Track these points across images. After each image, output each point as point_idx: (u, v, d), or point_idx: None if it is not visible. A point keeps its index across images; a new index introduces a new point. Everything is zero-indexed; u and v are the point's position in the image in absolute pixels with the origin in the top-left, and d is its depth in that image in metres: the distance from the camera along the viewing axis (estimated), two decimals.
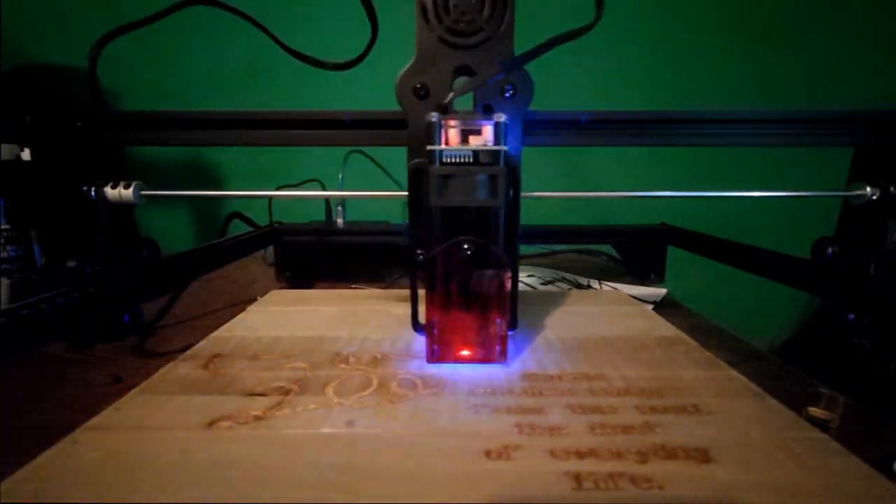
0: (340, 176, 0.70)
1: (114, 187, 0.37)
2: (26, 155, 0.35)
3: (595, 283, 0.56)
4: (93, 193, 0.37)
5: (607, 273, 0.62)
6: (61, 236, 0.37)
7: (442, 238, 0.27)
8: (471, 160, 0.26)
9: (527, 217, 0.71)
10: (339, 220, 0.64)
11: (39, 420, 0.27)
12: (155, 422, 0.22)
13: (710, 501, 0.17)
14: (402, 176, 0.78)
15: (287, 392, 0.25)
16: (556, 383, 0.26)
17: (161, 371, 0.27)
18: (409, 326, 0.35)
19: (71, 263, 0.36)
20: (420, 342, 0.32)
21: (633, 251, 0.65)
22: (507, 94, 0.30)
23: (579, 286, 0.55)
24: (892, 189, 0.36)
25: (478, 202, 0.26)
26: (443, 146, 0.26)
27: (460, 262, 0.26)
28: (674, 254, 0.58)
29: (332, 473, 0.18)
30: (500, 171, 0.26)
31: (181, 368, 0.27)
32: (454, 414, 0.22)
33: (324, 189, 0.75)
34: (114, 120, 0.39)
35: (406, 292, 0.44)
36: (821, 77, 0.83)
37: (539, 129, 0.37)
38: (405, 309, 0.39)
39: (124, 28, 0.37)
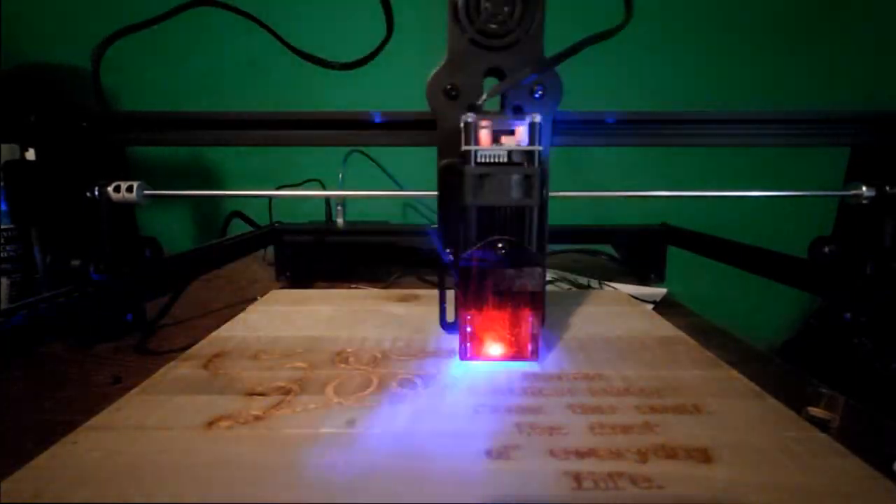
0: (340, 176, 0.70)
1: (117, 188, 0.37)
2: (30, 155, 0.35)
3: (595, 283, 0.56)
4: (97, 193, 0.37)
5: (607, 273, 0.62)
6: (64, 236, 0.37)
7: (476, 237, 0.27)
8: (504, 160, 0.27)
9: None
10: (339, 220, 0.64)
11: (39, 420, 0.27)
12: (155, 422, 0.22)
13: (710, 501, 0.17)
14: (402, 176, 0.79)
15: (287, 392, 0.25)
16: (556, 383, 0.26)
17: (161, 371, 0.27)
18: (410, 325, 0.35)
19: (75, 262, 0.36)
20: (422, 342, 0.32)
21: (633, 251, 0.65)
22: (537, 95, 0.30)
23: (579, 286, 0.55)
24: (888, 189, 0.37)
25: (513, 202, 0.26)
26: (478, 146, 0.27)
27: (494, 262, 0.27)
28: (674, 254, 0.58)
29: (332, 473, 0.18)
30: (535, 171, 0.26)
31: (181, 368, 0.27)
32: (454, 414, 0.22)
33: (324, 189, 0.75)
34: (118, 120, 0.39)
35: (406, 291, 0.44)
36: (819, 78, 0.83)
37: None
38: (405, 308, 0.39)
39: (128, 29, 0.37)
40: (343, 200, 0.65)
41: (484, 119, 0.27)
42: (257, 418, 0.22)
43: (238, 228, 0.60)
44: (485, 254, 0.27)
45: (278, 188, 0.69)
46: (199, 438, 0.20)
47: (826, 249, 0.40)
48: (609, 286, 0.54)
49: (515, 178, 0.26)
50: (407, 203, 0.88)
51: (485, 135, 0.27)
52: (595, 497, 0.17)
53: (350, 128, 0.38)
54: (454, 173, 0.28)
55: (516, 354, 0.28)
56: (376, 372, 0.27)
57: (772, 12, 0.83)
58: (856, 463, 0.18)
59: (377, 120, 0.37)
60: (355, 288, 0.52)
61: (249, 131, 0.38)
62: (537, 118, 0.26)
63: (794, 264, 0.39)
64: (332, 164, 0.69)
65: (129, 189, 0.37)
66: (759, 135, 0.38)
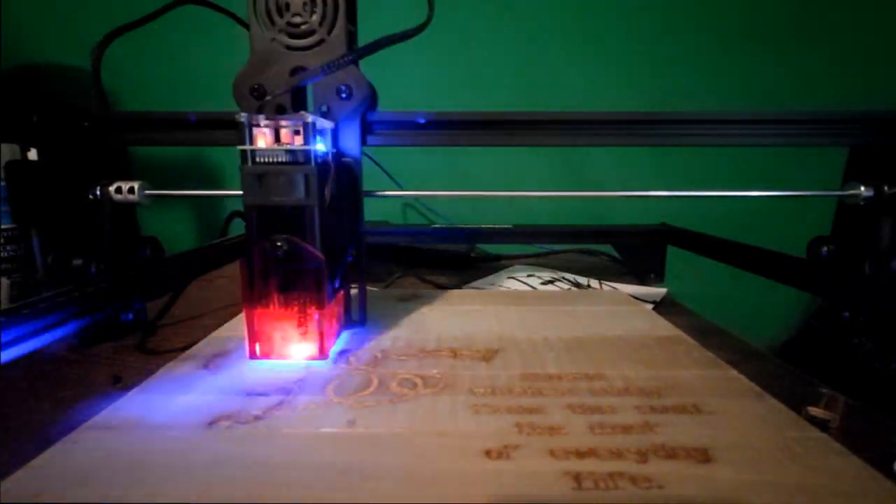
0: None
1: (118, 188, 0.37)
2: (32, 155, 0.35)
3: (595, 283, 0.56)
4: (98, 194, 0.37)
5: (607, 273, 0.62)
6: (66, 236, 0.37)
7: (258, 237, 0.27)
8: (284, 160, 0.26)
9: (527, 217, 0.71)
10: None
11: (39, 420, 0.27)
12: (155, 422, 0.22)
13: (710, 501, 0.17)
14: (402, 176, 0.78)
15: (287, 391, 0.25)
16: (556, 383, 0.26)
17: (161, 371, 0.27)
18: (410, 325, 0.35)
19: (76, 262, 0.36)
20: (421, 342, 0.32)
21: (633, 251, 0.65)
22: (343, 96, 0.30)
23: (579, 286, 0.55)
24: (885, 189, 0.37)
25: (291, 201, 0.26)
26: (255, 146, 0.26)
27: (274, 260, 0.27)
28: (674, 254, 0.58)
29: (332, 473, 0.18)
30: (311, 170, 0.26)
31: (181, 368, 0.28)
32: (454, 414, 0.23)
33: None
34: (120, 121, 0.39)
35: (406, 291, 0.44)
36: (818, 77, 0.83)
37: (531, 128, 0.37)
38: (404, 308, 0.39)
39: (124, 28, 0.37)
40: None
41: (263, 119, 0.26)
42: (257, 418, 0.22)
43: (238, 228, 0.60)
44: (265, 253, 0.27)
45: None
46: (199, 438, 0.20)
47: (824, 249, 0.40)
48: (609, 286, 0.54)
49: (293, 177, 0.26)
50: (407, 203, 0.88)
51: (284, 134, 0.26)
52: (595, 497, 0.17)
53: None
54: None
55: (304, 353, 0.28)
56: (376, 372, 0.27)
57: (767, 12, 0.83)
58: (856, 463, 0.18)
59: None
60: (354, 288, 0.52)
61: None
62: (309, 118, 0.26)
63: (793, 264, 0.39)
64: None
65: (131, 190, 0.37)
66: (757, 135, 0.38)
